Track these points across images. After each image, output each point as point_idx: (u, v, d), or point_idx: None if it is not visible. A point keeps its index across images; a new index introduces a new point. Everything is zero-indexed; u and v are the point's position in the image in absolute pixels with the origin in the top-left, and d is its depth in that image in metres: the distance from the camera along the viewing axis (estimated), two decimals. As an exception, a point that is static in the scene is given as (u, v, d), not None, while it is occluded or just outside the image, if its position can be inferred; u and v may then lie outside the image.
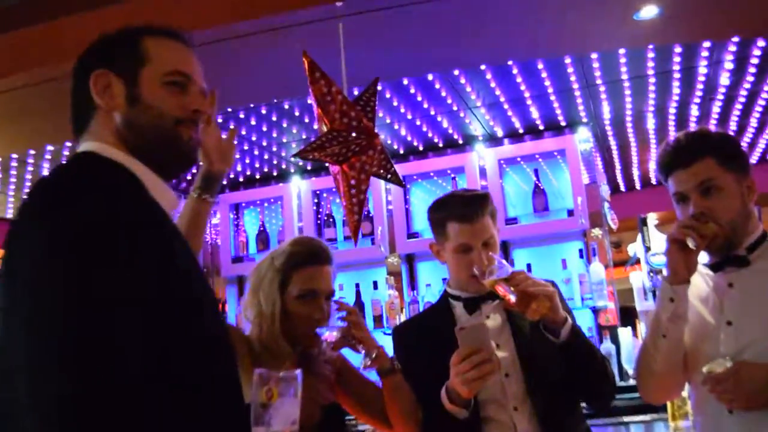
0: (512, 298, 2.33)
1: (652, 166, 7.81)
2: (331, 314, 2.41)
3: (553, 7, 3.66)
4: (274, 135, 5.60)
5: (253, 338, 2.38)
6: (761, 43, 4.72)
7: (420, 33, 3.73)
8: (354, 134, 2.69)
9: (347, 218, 2.75)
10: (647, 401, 2.59)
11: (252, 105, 4.92)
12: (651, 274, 3.99)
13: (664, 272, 2.39)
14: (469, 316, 2.61)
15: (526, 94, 5.20)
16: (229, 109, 4.87)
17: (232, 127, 4.63)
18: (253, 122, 5.27)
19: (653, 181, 8.48)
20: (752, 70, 5.21)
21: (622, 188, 8.63)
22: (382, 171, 2.81)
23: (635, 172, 8.00)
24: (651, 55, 4.73)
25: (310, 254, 2.44)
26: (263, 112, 5.09)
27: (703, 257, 2.38)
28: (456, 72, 4.68)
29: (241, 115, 5.13)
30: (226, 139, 2.24)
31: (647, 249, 4.10)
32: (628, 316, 6.39)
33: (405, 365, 2.60)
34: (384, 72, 3.30)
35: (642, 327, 5.35)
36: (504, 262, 2.41)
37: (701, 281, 2.41)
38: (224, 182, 6.58)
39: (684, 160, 2.33)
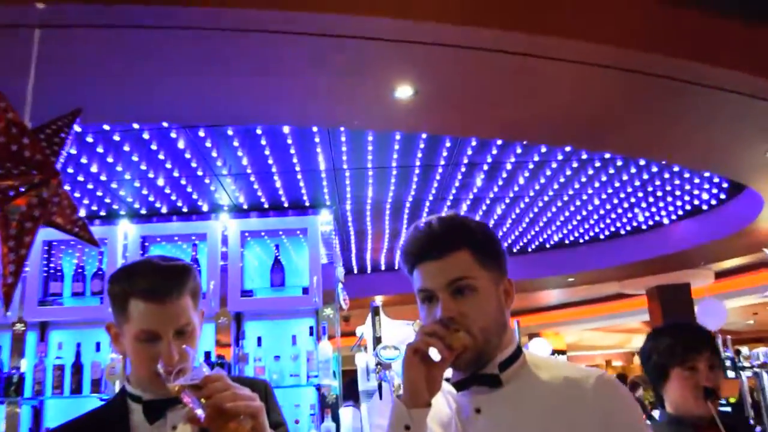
0: (201, 414, 1.42)
1: (383, 255, 7.31)
2: None
3: (309, 72, 2.89)
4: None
5: None
6: (494, 150, 4.31)
7: (142, 66, 2.76)
8: (22, 168, 1.68)
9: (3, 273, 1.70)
10: None
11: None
12: (378, 366, 3.27)
13: (397, 383, 1.60)
14: (150, 426, 1.66)
15: (274, 169, 4.39)
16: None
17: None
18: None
19: (382, 267, 8.03)
20: (481, 175, 4.81)
21: (355, 270, 8.06)
22: (64, 221, 1.81)
23: (368, 257, 7.46)
24: (396, 147, 4.14)
25: None
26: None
27: (446, 372, 1.63)
28: (201, 133, 3.78)
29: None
30: None
31: (377, 340, 3.40)
32: (352, 380, 5.79)
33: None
34: (94, 109, 2.31)
35: (364, 407, 4.62)
36: (201, 362, 1.50)
37: (443, 402, 1.65)
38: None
39: (435, 250, 1.58)
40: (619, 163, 4.87)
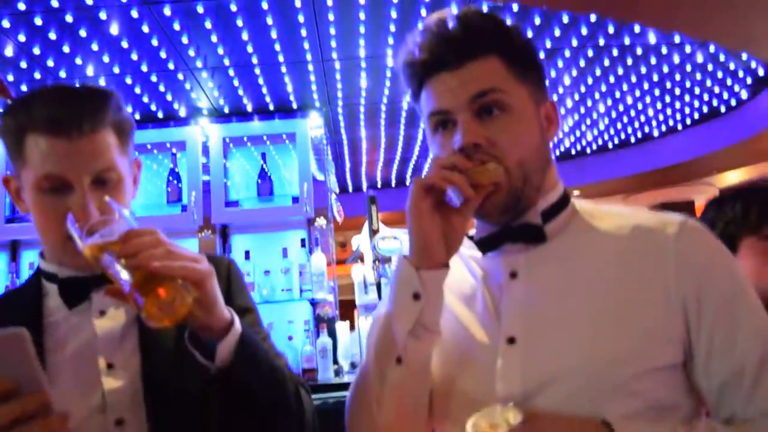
0: (124, 282, 0.98)
1: (379, 169, 6.85)
2: None
3: None
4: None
5: None
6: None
7: None
8: None
9: None
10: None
11: None
12: (376, 263, 2.82)
13: (404, 250, 1.17)
14: (70, 310, 1.22)
15: (255, 60, 3.88)
16: None
17: None
18: None
19: (379, 184, 7.58)
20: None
21: (350, 188, 7.60)
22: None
23: (363, 172, 7.00)
24: (392, 28, 3.62)
25: None
26: None
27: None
28: (167, 11, 3.25)
29: None
30: None
31: (373, 232, 2.94)
32: (347, 309, 5.45)
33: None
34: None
35: (361, 320, 4.24)
36: (126, 214, 1.05)
37: (463, 269, 1.22)
38: None
39: (453, 55, 1.10)
40: (639, 51, 4.36)
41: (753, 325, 1.03)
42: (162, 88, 4.17)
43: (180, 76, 4.01)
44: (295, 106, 4.62)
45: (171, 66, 3.86)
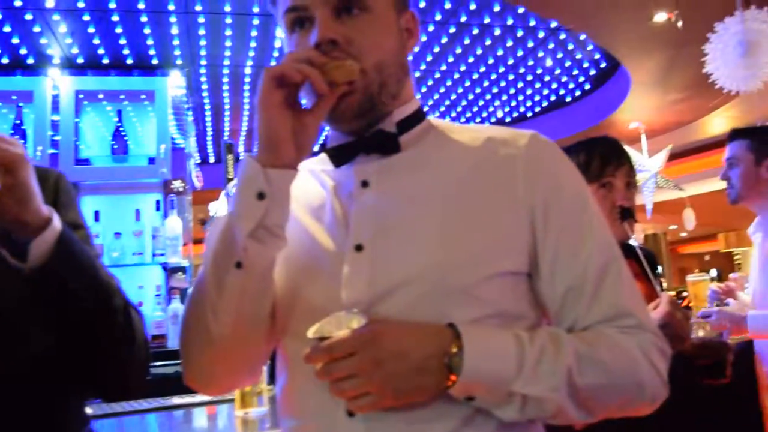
0: None
1: (243, 140, 6.64)
2: None
3: None
4: None
5: None
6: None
7: None
8: None
9: None
10: (197, 390, 1.20)
11: None
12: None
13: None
14: None
15: (113, 5, 3.57)
16: None
17: None
18: None
19: (241, 155, 7.36)
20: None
21: (212, 159, 7.33)
22: None
23: (224, 141, 6.76)
24: (258, -17, 3.48)
25: None
26: None
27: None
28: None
29: None
30: None
31: (228, 180, 2.79)
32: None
33: None
34: None
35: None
36: None
37: (313, 181, 1.13)
38: None
39: None
40: (498, 31, 4.45)
41: (597, 234, 1.04)
42: (7, 29, 3.77)
43: (28, 17, 3.64)
44: (155, 62, 4.34)
45: (18, 2, 3.49)
